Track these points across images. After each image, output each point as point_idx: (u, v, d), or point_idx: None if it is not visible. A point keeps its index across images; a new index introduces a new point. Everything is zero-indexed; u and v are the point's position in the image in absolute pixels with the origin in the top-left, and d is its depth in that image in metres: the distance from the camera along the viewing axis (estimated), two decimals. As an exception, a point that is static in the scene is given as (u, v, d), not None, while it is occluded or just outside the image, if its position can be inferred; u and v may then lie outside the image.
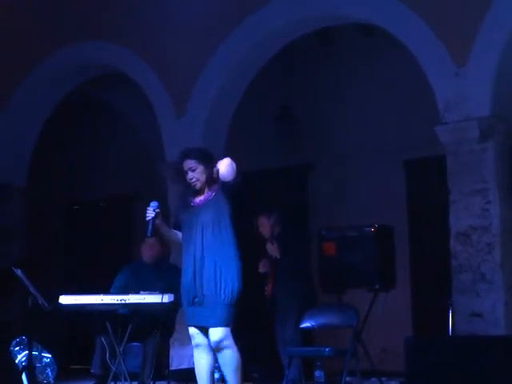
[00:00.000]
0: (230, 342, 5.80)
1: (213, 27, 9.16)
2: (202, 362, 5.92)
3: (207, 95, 9.20)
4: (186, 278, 5.89)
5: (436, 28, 7.87)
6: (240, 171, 5.92)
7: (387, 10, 8.17)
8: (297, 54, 9.94)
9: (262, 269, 8.00)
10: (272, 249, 7.87)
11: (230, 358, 5.81)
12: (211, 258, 5.82)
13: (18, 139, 10.50)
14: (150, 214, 5.97)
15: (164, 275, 8.05)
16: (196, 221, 5.90)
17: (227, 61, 9.11)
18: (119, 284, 8.10)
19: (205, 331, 5.86)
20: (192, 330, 5.93)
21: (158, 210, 5.98)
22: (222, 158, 6.08)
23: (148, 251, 8.14)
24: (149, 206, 6.01)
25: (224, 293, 5.76)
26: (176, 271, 8.20)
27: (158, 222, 5.98)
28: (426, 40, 7.93)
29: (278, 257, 7.85)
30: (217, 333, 5.77)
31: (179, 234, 6.07)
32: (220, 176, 5.86)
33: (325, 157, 10.29)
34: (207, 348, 5.90)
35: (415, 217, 9.76)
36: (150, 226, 5.99)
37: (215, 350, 5.82)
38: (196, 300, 5.82)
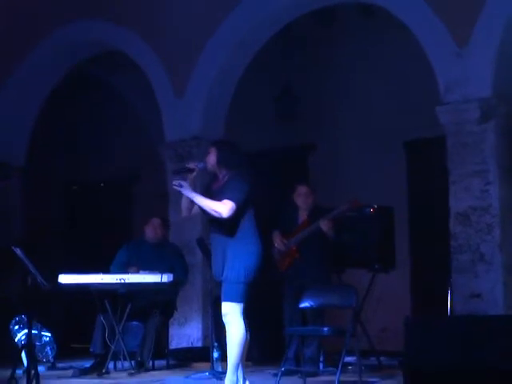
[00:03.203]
0: (234, 317, 6.00)
1: (213, 7, 9.13)
2: None
3: (207, 76, 9.18)
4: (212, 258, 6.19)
5: (437, 8, 7.85)
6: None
7: (388, -11, 8.15)
8: (297, 34, 9.90)
9: (281, 246, 7.69)
10: (327, 226, 7.53)
11: (231, 333, 6.03)
12: (223, 239, 6.06)
13: (17, 118, 10.48)
14: (192, 164, 6.30)
15: (166, 256, 8.08)
16: None
17: (227, 41, 9.09)
18: (120, 260, 8.14)
19: None
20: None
21: (198, 167, 6.25)
22: (222, 139, 6.30)
23: (151, 232, 8.20)
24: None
25: (232, 271, 5.98)
26: (177, 253, 8.24)
27: (190, 176, 6.26)
28: (428, 21, 7.90)
29: (332, 236, 7.56)
30: (223, 307, 6.03)
31: (195, 209, 6.30)
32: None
33: (325, 137, 10.27)
34: None
35: (415, 197, 9.75)
36: (182, 169, 6.36)
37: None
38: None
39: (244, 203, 6.04)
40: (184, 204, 6.32)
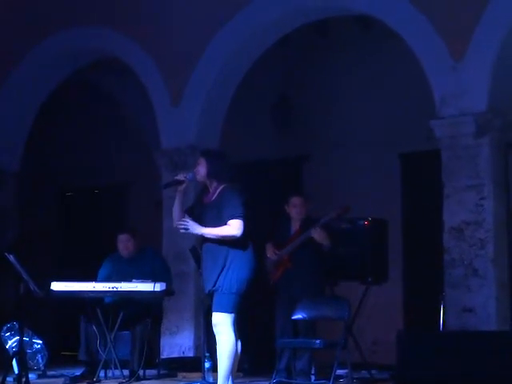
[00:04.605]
0: (225, 328, 5.99)
1: (210, 16, 9.13)
2: None
3: (203, 84, 9.17)
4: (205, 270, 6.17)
5: (434, 21, 7.86)
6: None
7: (385, 2, 8.15)
8: (295, 44, 9.91)
9: (272, 255, 7.66)
10: (320, 234, 7.53)
11: (222, 344, 6.03)
12: (223, 251, 6.04)
13: (12, 124, 10.44)
14: (181, 176, 6.27)
15: (146, 267, 8.00)
16: (204, 218, 6.13)
17: (224, 50, 9.08)
18: (106, 272, 8.13)
19: None
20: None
21: (187, 178, 6.22)
22: (211, 149, 6.33)
23: (123, 249, 8.17)
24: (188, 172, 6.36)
25: (225, 281, 5.99)
26: (157, 257, 8.19)
27: (179, 188, 6.25)
28: (424, 33, 7.91)
29: (328, 245, 7.53)
30: (214, 317, 6.03)
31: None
32: None
33: (320, 148, 10.26)
34: None
35: (409, 210, 9.74)
36: (172, 182, 6.38)
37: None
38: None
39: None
40: (176, 213, 6.29)
